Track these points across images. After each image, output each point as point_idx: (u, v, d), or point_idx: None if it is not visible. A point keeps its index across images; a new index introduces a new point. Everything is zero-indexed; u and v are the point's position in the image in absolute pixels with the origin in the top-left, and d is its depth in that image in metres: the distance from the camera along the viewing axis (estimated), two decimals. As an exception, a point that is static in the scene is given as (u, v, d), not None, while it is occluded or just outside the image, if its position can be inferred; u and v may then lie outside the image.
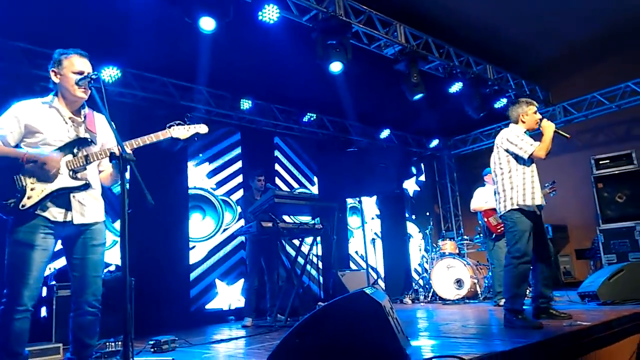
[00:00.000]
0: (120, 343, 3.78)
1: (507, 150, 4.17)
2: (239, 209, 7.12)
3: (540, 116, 4.27)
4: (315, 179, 8.76)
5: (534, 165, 4.16)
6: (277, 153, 8.30)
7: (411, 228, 10.05)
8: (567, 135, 4.26)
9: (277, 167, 8.21)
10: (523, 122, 4.25)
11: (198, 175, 7.11)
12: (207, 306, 6.79)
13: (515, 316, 3.93)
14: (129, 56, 5.97)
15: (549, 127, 4.10)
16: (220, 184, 7.35)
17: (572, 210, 8.53)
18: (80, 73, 2.60)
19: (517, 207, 4.05)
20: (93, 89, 2.51)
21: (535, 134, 4.22)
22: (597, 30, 7.39)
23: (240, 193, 7.33)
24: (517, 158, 4.12)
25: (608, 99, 8.09)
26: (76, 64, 2.62)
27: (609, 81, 8.03)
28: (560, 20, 7.10)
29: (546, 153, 4.03)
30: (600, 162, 7.70)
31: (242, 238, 6.99)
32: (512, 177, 4.13)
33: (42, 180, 2.51)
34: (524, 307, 4.01)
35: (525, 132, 4.20)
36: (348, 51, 5.46)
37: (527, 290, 4.97)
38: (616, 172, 7.53)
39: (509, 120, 4.37)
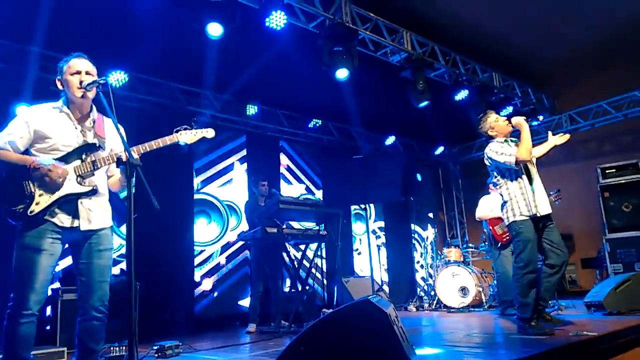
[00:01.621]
0: (124, 347, 3.78)
1: (496, 168, 4.22)
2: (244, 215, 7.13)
3: (505, 119, 4.28)
4: (320, 185, 8.77)
5: (531, 173, 4.15)
6: (282, 158, 8.31)
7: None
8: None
9: (282, 172, 8.22)
10: (495, 133, 4.29)
11: (203, 180, 7.13)
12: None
13: (527, 323, 3.96)
14: (136, 60, 6.00)
15: (522, 124, 4.10)
16: (225, 188, 7.36)
17: (578, 219, 8.49)
18: (77, 72, 2.62)
19: (519, 218, 4.07)
20: (101, 93, 2.53)
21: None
22: (604, 38, 7.37)
23: (244, 198, 7.35)
24: (510, 170, 4.14)
25: (615, 107, 8.07)
26: (72, 66, 2.64)
27: (616, 90, 8.01)
28: (567, 29, 7.09)
29: (528, 152, 4.03)
30: (607, 171, 7.67)
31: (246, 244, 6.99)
32: (510, 188, 4.17)
33: (47, 189, 2.51)
34: None
35: (505, 141, 4.22)
36: (354, 58, 5.47)
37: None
38: (622, 181, 7.50)
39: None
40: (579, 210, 8.26)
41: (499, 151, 4.12)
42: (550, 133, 4.49)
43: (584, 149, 8.83)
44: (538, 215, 4.02)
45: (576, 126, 8.54)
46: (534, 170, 4.20)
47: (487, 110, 4.44)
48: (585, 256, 8.46)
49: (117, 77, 6.05)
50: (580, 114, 8.52)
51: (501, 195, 4.26)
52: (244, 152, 7.74)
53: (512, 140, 4.25)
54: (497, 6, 6.48)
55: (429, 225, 10.41)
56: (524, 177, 4.11)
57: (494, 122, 4.28)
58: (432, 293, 7.51)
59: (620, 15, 6.80)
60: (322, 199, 8.50)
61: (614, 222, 7.47)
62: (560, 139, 4.40)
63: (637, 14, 6.73)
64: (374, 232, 9.38)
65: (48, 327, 4.62)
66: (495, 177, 4.29)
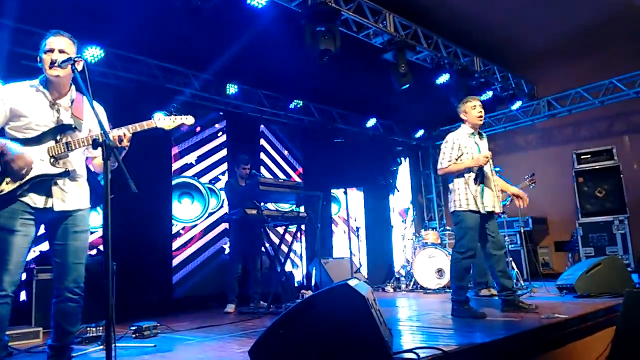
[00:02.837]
0: (101, 328, 3.75)
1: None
2: (223, 195, 7.09)
3: (480, 111, 4.33)
4: (301, 167, 8.75)
5: (485, 173, 4.23)
6: (262, 139, 8.25)
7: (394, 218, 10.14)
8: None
9: (262, 153, 8.17)
10: (465, 120, 4.38)
11: (181, 158, 7.05)
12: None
13: (460, 306, 4.16)
14: (113, 36, 5.81)
15: (478, 160, 4.16)
16: (204, 169, 7.29)
17: (553, 203, 8.67)
18: (50, 50, 2.55)
19: (459, 208, 4.21)
20: (76, 71, 2.46)
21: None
22: (582, 25, 7.44)
23: (224, 178, 7.30)
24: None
25: (591, 94, 8.18)
26: (47, 43, 2.58)
27: (593, 77, 8.11)
28: (547, 15, 7.12)
29: (445, 173, 4.27)
30: (582, 157, 7.82)
31: (225, 224, 6.97)
32: (455, 181, 4.30)
33: (11, 175, 2.45)
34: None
35: (472, 134, 4.32)
36: (337, 39, 5.40)
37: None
38: (597, 167, 7.66)
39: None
40: (554, 194, 8.43)
41: (446, 151, 4.26)
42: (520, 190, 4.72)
43: (561, 134, 8.97)
44: (482, 212, 4.17)
45: (554, 112, 8.65)
46: (490, 171, 4.30)
47: (470, 96, 4.48)
48: (558, 239, 8.66)
49: (93, 53, 5.86)
50: (558, 99, 8.62)
51: (450, 183, 4.37)
52: (223, 132, 7.65)
53: (478, 134, 4.38)
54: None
55: (408, 208, 10.50)
56: (471, 175, 4.21)
57: (470, 108, 4.35)
58: (410, 274, 7.62)
59: (598, 3, 6.87)
60: (302, 180, 8.48)
61: (587, 207, 7.64)
62: (520, 195, 4.59)
63: (614, 5, 6.80)
64: (353, 214, 9.43)
65: (23, 307, 4.55)
66: None
